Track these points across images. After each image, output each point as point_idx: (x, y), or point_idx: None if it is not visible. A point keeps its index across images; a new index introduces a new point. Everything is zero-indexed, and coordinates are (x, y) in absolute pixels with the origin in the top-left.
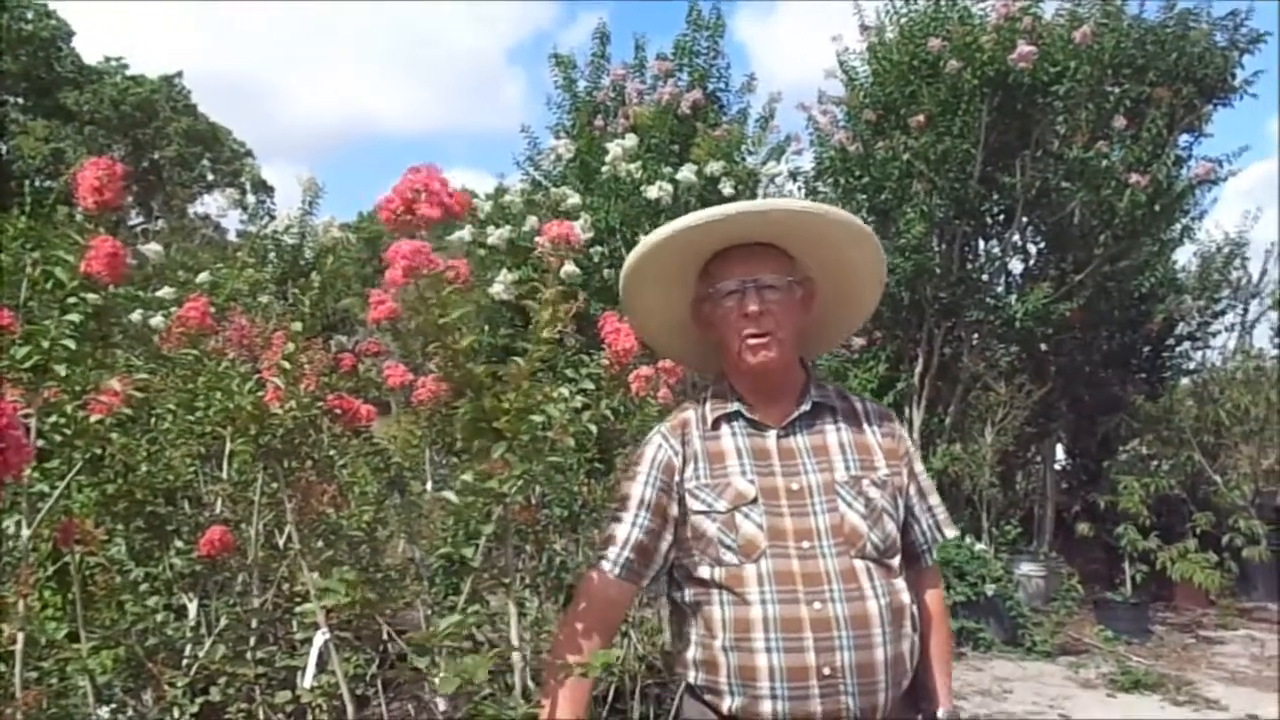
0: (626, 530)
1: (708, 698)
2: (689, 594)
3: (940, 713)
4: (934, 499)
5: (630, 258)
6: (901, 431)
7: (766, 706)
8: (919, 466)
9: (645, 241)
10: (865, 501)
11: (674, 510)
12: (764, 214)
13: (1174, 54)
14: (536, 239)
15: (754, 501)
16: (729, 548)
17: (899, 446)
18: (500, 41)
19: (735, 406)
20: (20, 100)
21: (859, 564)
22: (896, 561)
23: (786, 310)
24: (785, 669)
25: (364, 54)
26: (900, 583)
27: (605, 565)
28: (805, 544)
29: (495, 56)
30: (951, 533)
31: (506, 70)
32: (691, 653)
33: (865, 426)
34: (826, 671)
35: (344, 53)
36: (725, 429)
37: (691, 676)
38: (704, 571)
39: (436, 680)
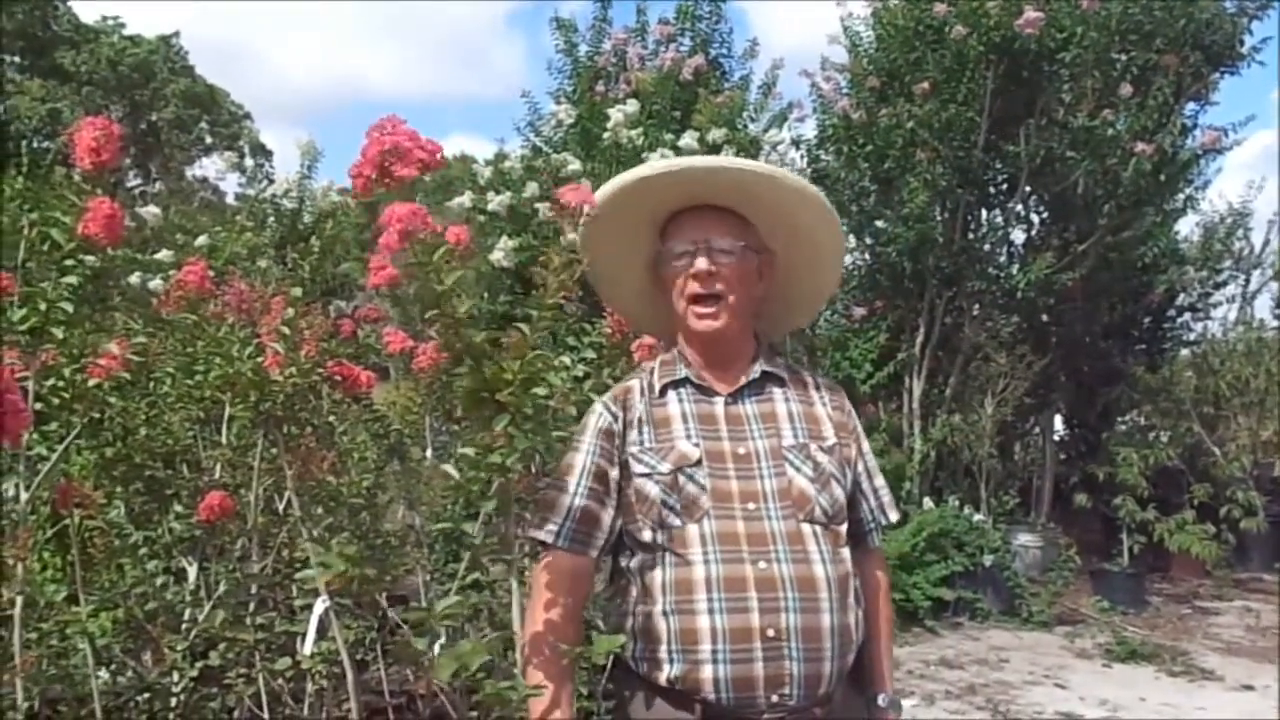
0: (569, 499)
1: (644, 669)
2: (633, 561)
3: (880, 698)
4: (879, 481)
5: (583, 221)
6: (850, 408)
7: (708, 671)
8: (866, 446)
9: (596, 198)
10: (813, 466)
11: (615, 474)
12: (712, 172)
13: (1182, 20)
14: (538, 204)
15: (698, 463)
16: (671, 509)
17: (848, 421)
18: (499, 6)
19: (684, 373)
20: (16, 59)
21: (806, 528)
22: (844, 530)
23: (738, 275)
24: (728, 630)
25: (359, 18)
26: (846, 553)
27: (548, 539)
28: (751, 505)
29: (494, 21)
30: (895, 516)
31: (505, 35)
32: (629, 622)
33: (815, 397)
34: (771, 633)
35: (338, 16)
36: (672, 395)
37: (628, 648)
38: (647, 535)
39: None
